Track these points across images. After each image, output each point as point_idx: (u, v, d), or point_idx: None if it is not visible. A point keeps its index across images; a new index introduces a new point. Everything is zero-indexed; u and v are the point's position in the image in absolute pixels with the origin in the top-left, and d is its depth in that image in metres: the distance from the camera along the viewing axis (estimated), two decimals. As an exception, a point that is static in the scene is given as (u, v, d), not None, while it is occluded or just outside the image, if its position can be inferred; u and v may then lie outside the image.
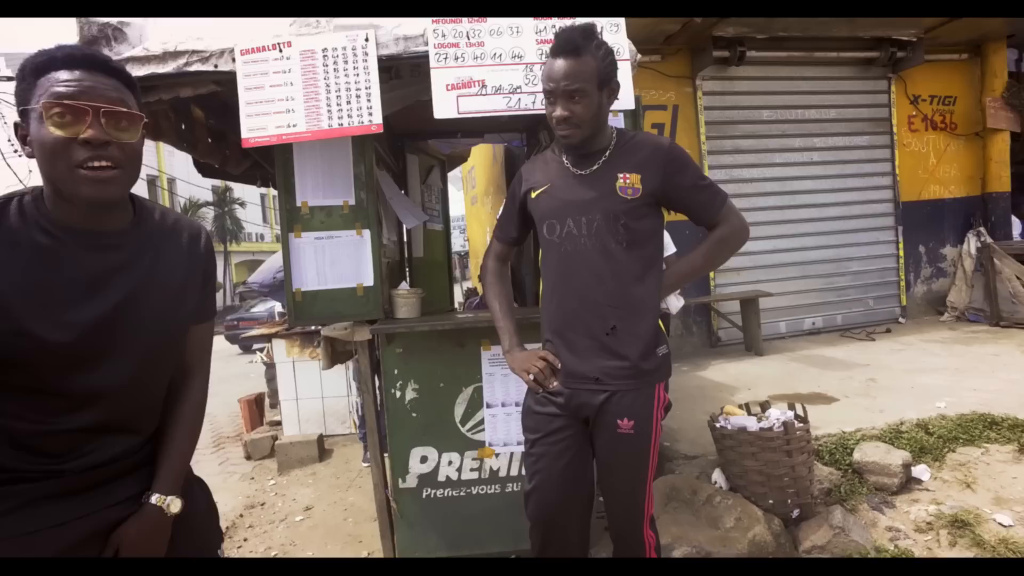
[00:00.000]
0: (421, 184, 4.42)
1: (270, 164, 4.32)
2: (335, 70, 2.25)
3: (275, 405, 7.09)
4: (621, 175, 1.84)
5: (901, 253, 7.11)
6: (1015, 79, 7.29)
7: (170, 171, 27.74)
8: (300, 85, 2.24)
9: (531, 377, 1.93)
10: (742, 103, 6.62)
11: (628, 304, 1.85)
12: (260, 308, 17.36)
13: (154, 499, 1.24)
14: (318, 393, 6.10)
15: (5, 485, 1.09)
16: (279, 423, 6.23)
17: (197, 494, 1.41)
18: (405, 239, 4.35)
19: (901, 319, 7.04)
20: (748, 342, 6.12)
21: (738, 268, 6.58)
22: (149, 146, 29.03)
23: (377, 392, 5.18)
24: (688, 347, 6.32)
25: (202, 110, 3.25)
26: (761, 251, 6.64)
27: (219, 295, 28.95)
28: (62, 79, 1.08)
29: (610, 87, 1.84)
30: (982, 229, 7.01)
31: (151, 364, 1.23)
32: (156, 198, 27.31)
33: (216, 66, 2.25)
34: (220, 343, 20.33)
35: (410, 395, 2.90)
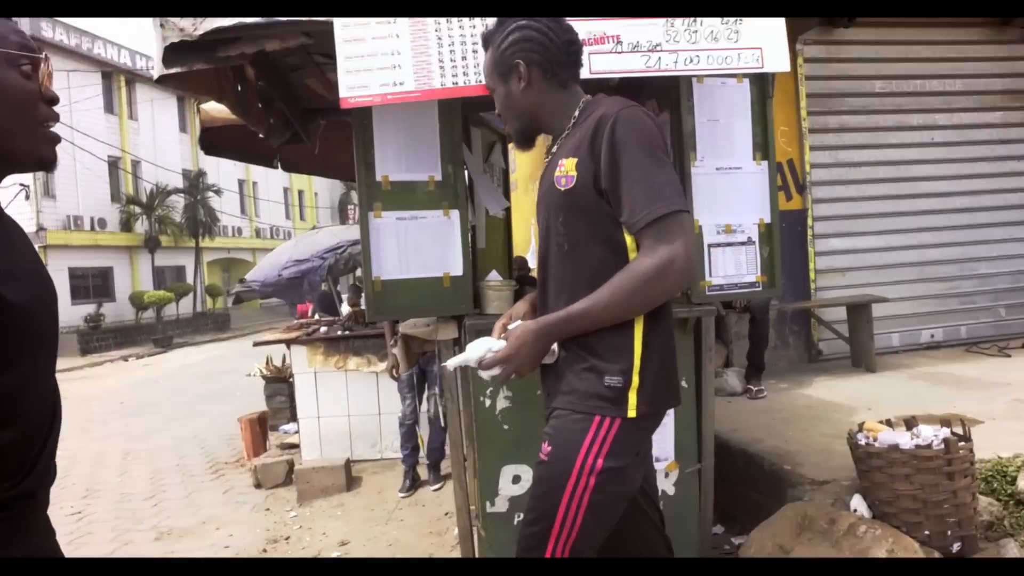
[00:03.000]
0: (484, 163, 4.53)
1: (309, 136, 4.47)
2: (448, 20, 2.36)
3: (275, 428, 7.24)
4: (560, 162, 1.86)
5: (1040, 253, 7.12)
6: None
7: (135, 152, 27.59)
8: (408, 37, 2.35)
9: None
10: (850, 72, 6.67)
11: None
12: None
13: None
14: (344, 411, 6.17)
15: None
16: (295, 446, 6.35)
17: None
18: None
19: (1040, 332, 7.05)
20: (856, 356, 6.18)
21: (843, 268, 6.66)
22: (111, 122, 28.44)
23: (437, 402, 5.27)
24: (783, 361, 6.40)
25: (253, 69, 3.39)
26: (870, 248, 6.72)
27: (189, 300, 28.95)
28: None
29: (518, 72, 1.89)
30: None
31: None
32: (118, 183, 27.23)
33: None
34: (190, 355, 20.42)
35: (502, 404, 3.00)
